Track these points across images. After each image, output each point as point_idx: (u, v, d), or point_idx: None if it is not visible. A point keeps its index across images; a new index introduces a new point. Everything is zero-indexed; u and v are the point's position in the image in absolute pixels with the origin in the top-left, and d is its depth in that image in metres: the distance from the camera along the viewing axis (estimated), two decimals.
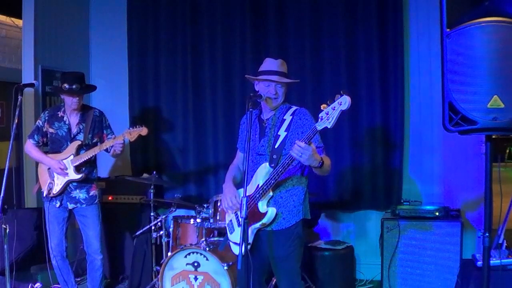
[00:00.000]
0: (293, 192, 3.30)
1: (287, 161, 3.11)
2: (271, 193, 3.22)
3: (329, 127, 2.94)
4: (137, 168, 5.61)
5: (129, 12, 5.63)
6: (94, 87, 4.49)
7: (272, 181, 3.16)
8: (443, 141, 4.83)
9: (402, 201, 4.73)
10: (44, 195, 4.25)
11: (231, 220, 3.44)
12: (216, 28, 5.34)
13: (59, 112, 4.32)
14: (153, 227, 4.68)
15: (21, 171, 5.01)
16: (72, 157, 4.21)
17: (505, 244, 3.60)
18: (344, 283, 4.66)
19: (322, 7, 5.02)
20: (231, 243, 3.43)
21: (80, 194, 4.29)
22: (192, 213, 4.84)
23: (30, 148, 4.35)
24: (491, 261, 3.04)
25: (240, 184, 3.44)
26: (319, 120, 2.97)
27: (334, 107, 2.92)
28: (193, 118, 5.44)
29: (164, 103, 5.53)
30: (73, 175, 4.21)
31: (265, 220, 3.21)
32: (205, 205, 4.36)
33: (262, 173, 3.25)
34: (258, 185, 3.24)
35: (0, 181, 3.27)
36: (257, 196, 3.23)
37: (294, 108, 3.36)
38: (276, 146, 3.24)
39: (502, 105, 2.50)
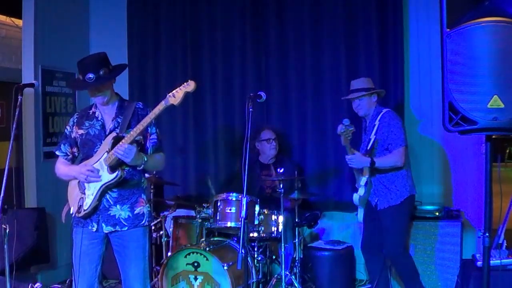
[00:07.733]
0: (391, 177, 4.02)
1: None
2: (367, 175, 4.05)
3: None
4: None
5: (129, 12, 5.63)
6: (119, 70, 3.37)
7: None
8: (443, 141, 4.83)
9: None
10: (72, 213, 3.27)
11: (361, 178, 4.14)
12: (216, 28, 5.34)
13: (90, 110, 3.37)
14: (153, 227, 4.68)
15: (21, 171, 5.00)
16: (105, 155, 3.15)
17: (505, 244, 3.60)
18: (344, 283, 4.66)
19: (322, 7, 5.02)
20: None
21: (121, 211, 3.20)
22: (192, 213, 4.84)
23: (59, 164, 3.40)
24: (491, 261, 3.04)
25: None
26: None
27: None
28: (193, 118, 5.44)
29: None
30: (107, 177, 3.14)
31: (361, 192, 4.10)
32: (205, 205, 4.36)
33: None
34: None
35: (0, 181, 3.27)
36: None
37: (382, 112, 4.10)
38: (368, 148, 4.07)
39: (502, 105, 2.49)
